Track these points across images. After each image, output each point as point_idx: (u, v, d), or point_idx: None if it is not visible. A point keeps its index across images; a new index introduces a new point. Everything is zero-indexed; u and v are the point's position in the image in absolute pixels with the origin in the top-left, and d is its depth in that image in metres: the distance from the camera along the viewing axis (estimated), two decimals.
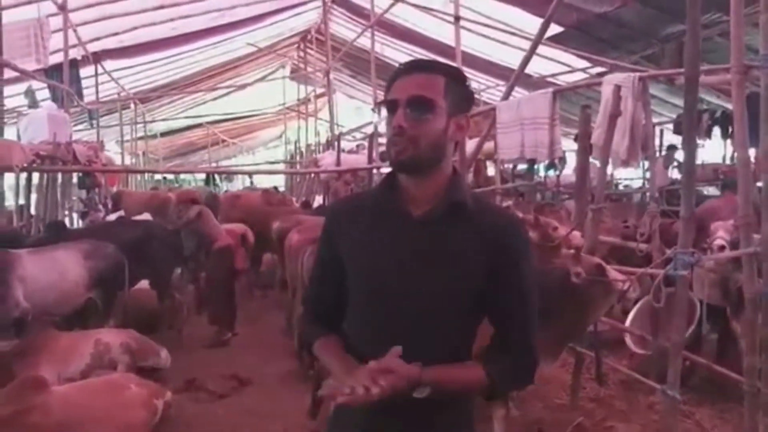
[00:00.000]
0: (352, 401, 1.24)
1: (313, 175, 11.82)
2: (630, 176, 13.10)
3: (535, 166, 8.56)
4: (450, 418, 1.43)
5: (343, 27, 13.44)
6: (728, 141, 8.27)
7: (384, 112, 1.41)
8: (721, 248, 3.96)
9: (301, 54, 16.70)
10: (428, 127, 1.35)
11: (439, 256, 1.37)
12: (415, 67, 1.40)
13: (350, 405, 1.26)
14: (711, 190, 9.67)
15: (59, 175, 7.28)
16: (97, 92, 10.74)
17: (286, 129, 21.17)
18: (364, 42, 10.98)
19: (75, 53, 9.13)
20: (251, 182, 21.72)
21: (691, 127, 3.16)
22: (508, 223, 1.44)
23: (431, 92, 1.35)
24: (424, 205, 1.40)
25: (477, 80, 12.04)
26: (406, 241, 1.39)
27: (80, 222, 8.72)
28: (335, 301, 1.53)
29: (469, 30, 8.23)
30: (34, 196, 7.17)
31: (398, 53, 12.37)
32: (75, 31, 8.53)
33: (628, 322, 4.47)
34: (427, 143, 1.34)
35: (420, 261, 1.37)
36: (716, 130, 8.05)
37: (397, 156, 1.35)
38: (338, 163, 9.54)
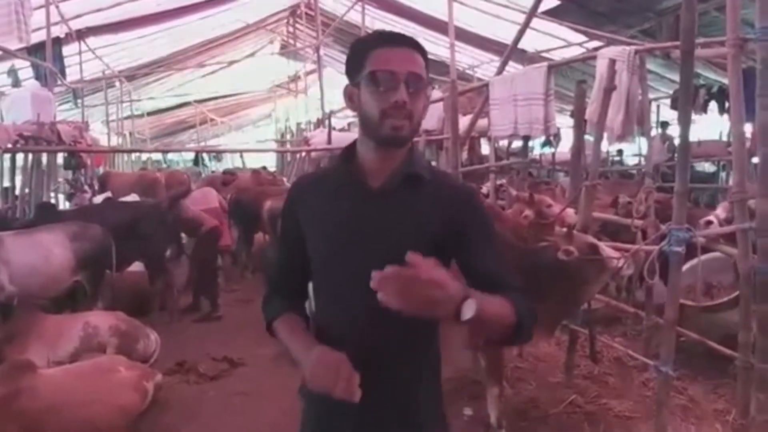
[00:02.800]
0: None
1: (303, 154, 11.69)
2: (628, 153, 13.08)
3: (530, 143, 8.50)
4: (419, 404, 1.42)
5: (334, 1, 13.20)
6: (725, 116, 8.22)
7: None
8: (708, 223, 3.95)
9: (291, 29, 16.45)
10: (421, 104, 1.38)
11: (397, 224, 1.39)
12: (403, 42, 1.39)
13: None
14: (707, 167, 9.68)
15: (44, 156, 7.15)
16: (81, 70, 10.54)
17: (275, 107, 20.95)
18: (355, 17, 10.80)
19: (58, 31, 8.92)
20: (243, 162, 21.54)
21: (687, 101, 3.11)
22: (462, 190, 1.51)
23: (422, 70, 1.37)
24: (381, 177, 1.42)
25: (470, 55, 11.91)
26: (364, 212, 1.41)
27: (66, 203, 8.59)
28: (298, 276, 1.55)
29: (462, 3, 8.08)
30: (18, 178, 7.05)
31: (389, 28, 12.17)
32: (57, 7, 8.32)
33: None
34: (418, 120, 1.38)
35: (378, 229, 1.39)
36: (713, 106, 7.99)
37: (396, 131, 1.35)
38: (329, 141, 9.43)
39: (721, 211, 4.07)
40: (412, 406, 1.41)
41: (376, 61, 1.36)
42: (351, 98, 1.45)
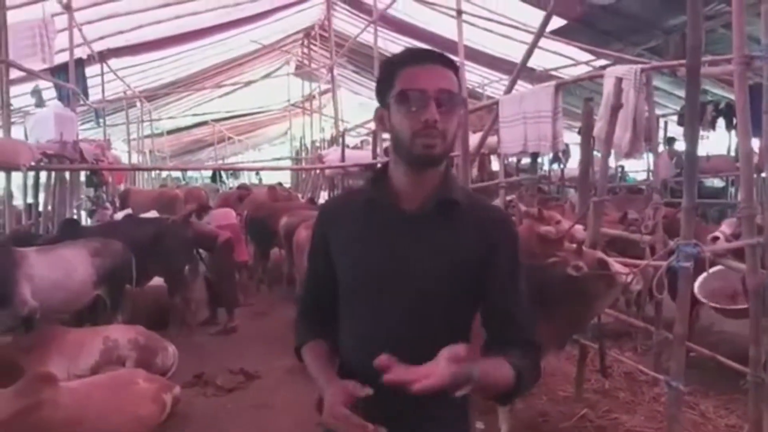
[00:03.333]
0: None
1: (318, 171, 11.85)
2: (636, 169, 13.06)
3: (539, 160, 8.56)
4: (447, 412, 1.40)
5: (347, 23, 13.44)
6: (733, 132, 8.24)
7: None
8: (714, 239, 3.97)
9: (305, 50, 16.74)
10: (454, 121, 1.33)
11: (431, 249, 1.36)
12: (429, 58, 1.35)
13: None
14: (716, 182, 9.66)
15: (67, 174, 7.34)
16: (103, 91, 10.81)
17: (291, 126, 21.22)
18: (368, 38, 10.99)
19: (80, 52, 9.18)
20: (259, 179, 21.79)
21: (693, 117, 3.16)
22: (500, 220, 1.45)
23: (453, 86, 1.33)
24: (415, 200, 1.38)
25: (480, 74, 12.05)
26: (397, 237, 1.37)
27: (88, 220, 8.78)
28: (328, 300, 1.49)
29: (471, 24, 8.22)
30: (42, 195, 7.23)
31: (401, 48, 12.32)
32: (80, 30, 8.58)
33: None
34: (452, 138, 1.34)
35: (412, 255, 1.35)
36: (721, 122, 8.01)
37: (428, 150, 1.31)
38: (342, 159, 9.57)
39: (726, 227, 4.10)
40: (441, 426, 1.40)
41: (404, 80, 1.32)
42: (382, 120, 1.40)
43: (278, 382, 4.78)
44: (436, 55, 1.36)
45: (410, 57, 1.36)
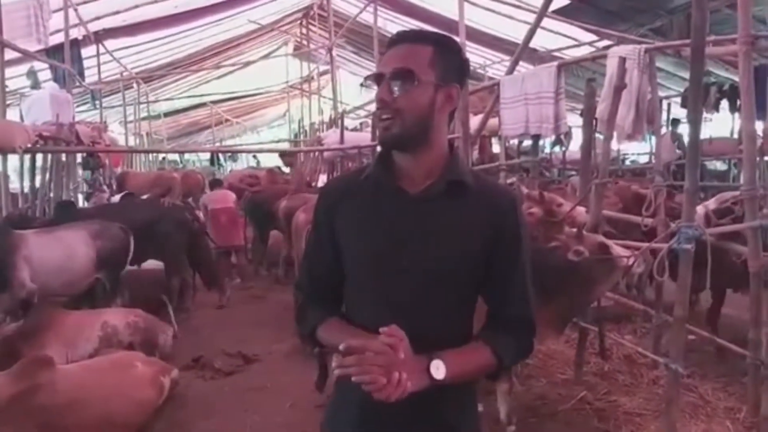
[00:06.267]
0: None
1: (317, 153, 11.78)
2: (639, 151, 13.01)
3: (541, 142, 8.49)
4: (453, 405, 1.41)
5: (346, 2, 13.27)
6: (737, 114, 8.17)
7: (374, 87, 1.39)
8: None
9: (304, 31, 16.55)
10: (412, 99, 1.31)
11: (438, 232, 1.35)
12: (401, 38, 1.37)
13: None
14: (718, 165, 9.61)
15: (63, 156, 7.28)
16: (99, 72, 10.70)
17: (289, 108, 21.08)
18: (367, 17, 10.85)
19: (76, 33, 9.06)
20: (257, 162, 21.73)
21: (697, 99, 3.11)
22: (508, 202, 1.42)
23: (415, 63, 1.31)
24: (420, 181, 1.37)
25: (482, 55, 11.92)
26: (403, 219, 1.36)
27: (85, 203, 8.74)
28: (334, 281, 1.47)
29: (473, 4, 8.10)
30: (38, 178, 7.18)
31: (401, 29, 12.19)
32: (75, 10, 8.46)
33: None
34: (411, 117, 1.31)
35: (418, 238, 1.35)
36: (724, 104, 7.94)
37: (385, 131, 1.34)
38: (341, 141, 9.49)
39: (712, 202, 4.04)
40: (447, 409, 1.39)
41: (377, 65, 1.40)
42: None
43: (276, 365, 4.78)
44: (406, 35, 1.38)
45: (390, 41, 1.39)
